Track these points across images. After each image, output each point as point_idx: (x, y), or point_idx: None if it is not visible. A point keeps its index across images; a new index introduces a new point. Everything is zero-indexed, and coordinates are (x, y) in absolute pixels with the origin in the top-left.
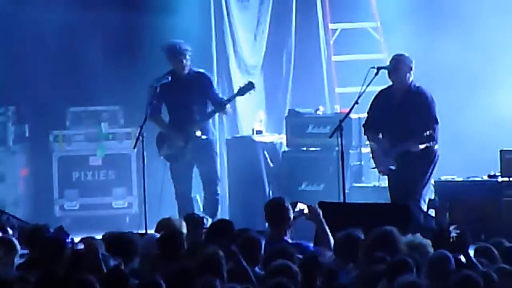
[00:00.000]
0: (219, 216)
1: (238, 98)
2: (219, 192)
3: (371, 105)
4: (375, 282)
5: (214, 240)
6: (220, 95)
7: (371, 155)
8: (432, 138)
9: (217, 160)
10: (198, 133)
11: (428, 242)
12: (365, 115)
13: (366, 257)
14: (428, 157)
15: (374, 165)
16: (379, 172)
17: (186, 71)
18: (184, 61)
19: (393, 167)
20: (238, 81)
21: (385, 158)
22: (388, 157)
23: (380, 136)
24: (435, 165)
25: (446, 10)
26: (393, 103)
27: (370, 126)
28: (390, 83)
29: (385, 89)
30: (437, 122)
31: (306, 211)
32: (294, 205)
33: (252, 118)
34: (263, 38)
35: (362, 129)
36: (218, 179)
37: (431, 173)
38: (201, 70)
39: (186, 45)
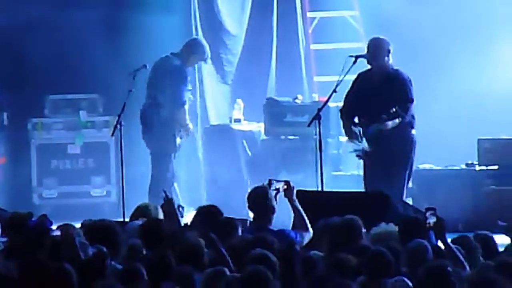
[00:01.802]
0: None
1: (206, 88)
2: None
3: (350, 88)
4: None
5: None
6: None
7: (348, 138)
8: (398, 115)
9: None
10: None
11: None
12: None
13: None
14: (407, 143)
15: (353, 149)
16: (357, 155)
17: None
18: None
19: (367, 149)
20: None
21: (361, 141)
22: (363, 140)
23: (356, 120)
24: (415, 151)
25: None
26: (372, 86)
27: (347, 109)
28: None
29: (364, 72)
30: (411, 102)
31: (281, 189)
32: (269, 183)
33: (222, 107)
34: (243, 26)
35: (339, 113)
36: None
37: (413, 159)
38: None
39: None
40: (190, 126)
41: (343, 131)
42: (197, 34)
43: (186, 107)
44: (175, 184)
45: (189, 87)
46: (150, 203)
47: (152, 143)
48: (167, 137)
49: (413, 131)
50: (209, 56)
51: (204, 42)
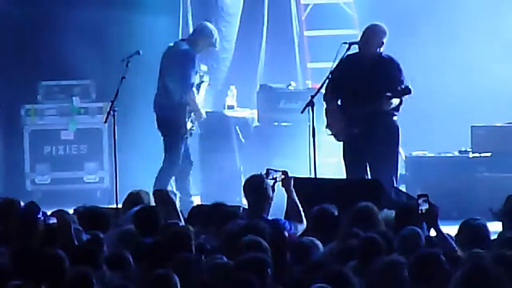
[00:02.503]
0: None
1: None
2: None
3: (335, 69)
4: (348, 258)
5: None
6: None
7: (326, 122)
8: (408, 91)
9: None
10: None
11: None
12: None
13: (345, 233)
14: (393, 130)
15: (330, 132)
16: (336, 137)
17: None
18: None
19: (355, 130)
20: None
21: (347, 122)
22: (352, 123)
23: (339, 102)
24: (399, 137)
25: None
26: (362, 68)
27: (333, 90)
28: None
29: (352, 55)
30: (405, 85)
31: (278, 179)
32: (267, 172)
33: (215, 94)
34: (237, 12)
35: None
36: None
37: (398, 146)
38: None
39: None
40: (203, 111)
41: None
42: (189, 20)
43: (195, 90)
44: None
45: (201, 71)
46: (155, 189)
47: (164, 130)
48: (178, 124)
49: (395, 117)
50: (218, 40)
51: (211, 26)
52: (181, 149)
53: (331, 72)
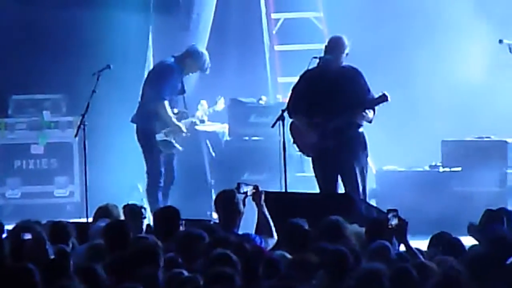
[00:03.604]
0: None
1: None
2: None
3: (296, 86)
4: (311, 272)
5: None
6: None
7: (292, 139)
8: (385, 98)
9: None
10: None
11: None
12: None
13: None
14: (361, 141)
15: (298, 149)
16: (305, 153)
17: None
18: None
19: (329, 144)
20: None
21: (319, 137)
22: (323, 136)
23: (305, 117)
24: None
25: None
26: (327, 80)
27: (298, 107)
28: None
29: (314, 69)
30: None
31: (249, 193)
32: (238, 187)
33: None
34: (207, 25)
35: (287, 112)
36: None
37: (367, 157)
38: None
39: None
40: (182, 127)
41: (289, 128)
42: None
43: (167, 104)
44: (139, 185)
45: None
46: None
47: (138, 140)
48: (148, 133)
49: (361, 129)
50: (208, 65)
51: (202, 50)
52: (157, 160)
53: (293, 88)
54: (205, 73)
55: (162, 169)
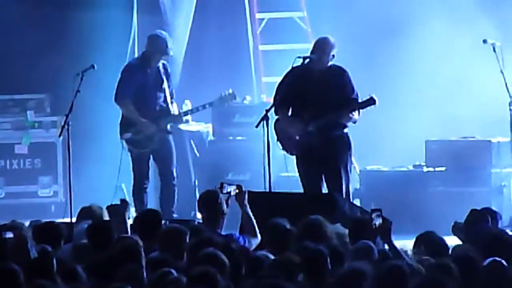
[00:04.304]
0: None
1: None
2: (175, 183)
3: (282, 83)
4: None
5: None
6: None
7: (276, 137)
8: (372, 101)
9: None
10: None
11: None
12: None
13: (296, 246)
14: (346, 141)
15: (282, 147)
16: (289, 152)
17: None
18: (165, 56)
19: (314, 143)
20: None
21: (303, 135)
22: (307, 134)
23: (290, 114)
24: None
25: None
26: (313, 79)
27: (284, 104)
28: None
29: (300, 66)
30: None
31: (233, 193)
32: (221, 186)
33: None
34: (187, 25)
35: (273, 108)
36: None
37: (351, 157)
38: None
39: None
40: (149, 124)
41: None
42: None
43: (128, 103)
44: (123, 185)
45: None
46: None
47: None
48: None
49: (346, 130)
50: (171, 45)
51: (163, 33)
52: (133, 160)
53: (279, 84)
54: (168, 56)
55: (147, 171)
